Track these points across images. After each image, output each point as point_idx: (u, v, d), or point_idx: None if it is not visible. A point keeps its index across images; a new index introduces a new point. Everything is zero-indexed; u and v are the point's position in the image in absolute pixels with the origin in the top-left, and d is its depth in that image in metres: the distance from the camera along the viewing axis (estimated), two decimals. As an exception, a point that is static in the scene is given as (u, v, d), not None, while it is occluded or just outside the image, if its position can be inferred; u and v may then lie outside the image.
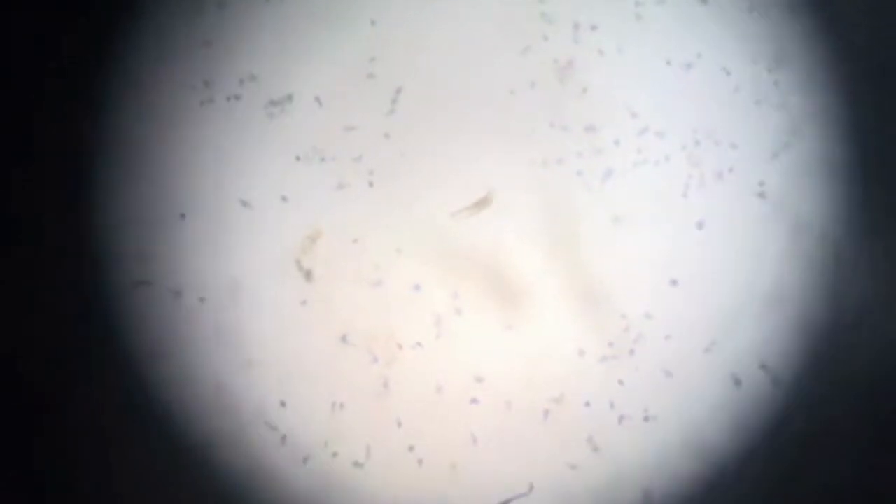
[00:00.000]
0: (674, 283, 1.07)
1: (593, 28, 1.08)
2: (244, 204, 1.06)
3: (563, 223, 1.07)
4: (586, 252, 1.07)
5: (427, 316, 1.07)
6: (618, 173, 1.07)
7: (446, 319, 1.06)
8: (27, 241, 1.03)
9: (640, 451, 1.07)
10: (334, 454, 1.06)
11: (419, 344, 1.06)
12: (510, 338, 1.07)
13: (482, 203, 1.06)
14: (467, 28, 1.08)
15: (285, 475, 1.06)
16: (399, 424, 1.06)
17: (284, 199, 1.06)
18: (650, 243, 1.07)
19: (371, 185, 1.07)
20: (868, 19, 1.06)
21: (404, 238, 1.07)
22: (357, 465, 1.06)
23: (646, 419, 1.07)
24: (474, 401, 1.06)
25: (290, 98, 1.07)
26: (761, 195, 1.07)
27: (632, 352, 1.07)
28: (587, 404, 1.07)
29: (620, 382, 1.07)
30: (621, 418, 1.07)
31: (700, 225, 1.07)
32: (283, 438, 1.06)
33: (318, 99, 1.07)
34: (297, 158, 1.07)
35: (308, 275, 1.06)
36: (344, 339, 1.06)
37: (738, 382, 1.07)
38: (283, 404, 1.06)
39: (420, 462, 1.06)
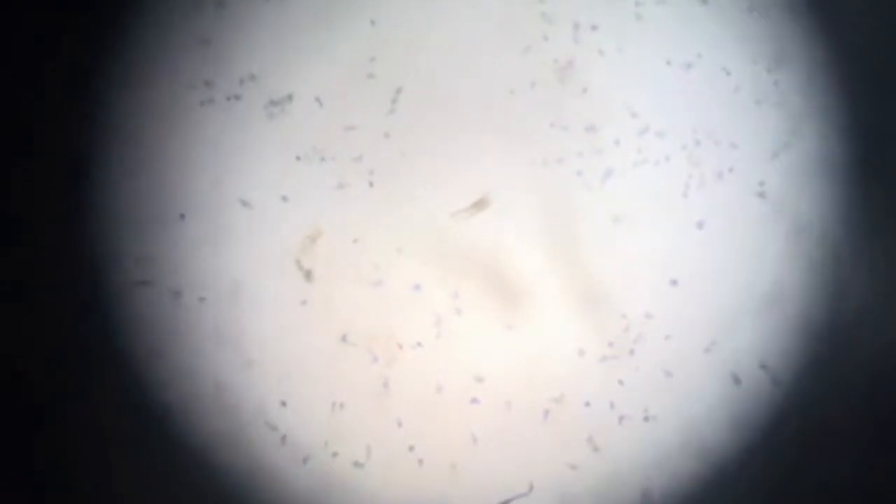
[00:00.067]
0: (674, 282, 1.07)
1: (593, 28, 1.08)
2: (244, 204, 1.06)
3: (563, 223, 1.07)
4: (586, 252, 1.07)
5: (427, 316, 1.07)
6: (618, 173, 1.07)
7: (446, 319, 1.06)
8: (27, 241, 1.03)
9: (640, 451, 1.07)
10: (334, 454, 1.06)
11: (419, 344, 1.06)
12: (510, 338, 1.07)
13: (480, 205, 1.06)
14: (467, 28, 1.08)
15: (285, 475, 1.06)
16: (399, 424, 1.06)
17: (284, 198, 1.06)
18: (650, 243, 1.07)
19: (371, 184, 1.07)
20: (868, 19, 1.07)
21: (404, 238, 1.07)
22: (357, 465, 1.06)
23: (646, 419, 1.07)
24: (474, 401, 1.06)
25: (290, 98, 1.07)
26: (761, 195, 1.07)
27: (632, 352, 1.07)
28: (587, 404, 1.07)
29: (620, 382, 1.07)
30: (621, 418, 1.07)
31: (700, 225, 1.07)
32: (283, 438, 1.06)
33: (318, 99, 1.07)
34: (298, 158, 1.07)
35: (308, 275, 1.06)
36: (344, 338, 1.06)
37: (738, 382, 1.07)
38: (283, 404, 1.06)
39: (420, 462, 1.06)
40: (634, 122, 1.07)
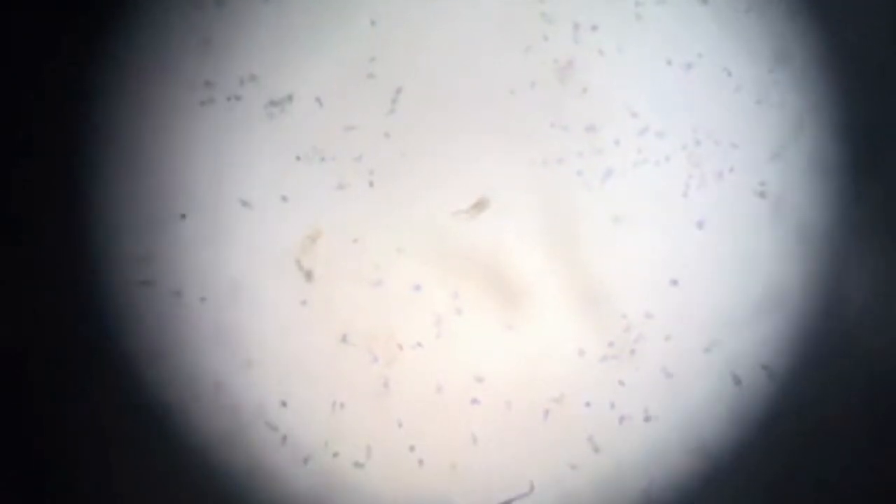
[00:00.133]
0: (674, 282, 1.07)
1: (593, 28, 1.08)
2: (244, 204, 1.06)
3: (564, 223, 1.07)
4: (586, 252, 1.07)
5: (427, 316, 1.06)
6: (618, 173, 1.07)
7: (446, 319, 1.06)
8: (27, 241, 1.03)
9: (640, 451, 1.07)
10: (335, 454, 1.06)
11: (419, 344, 1.06)
12: (510, 338, 1.07)
13: (480, 205, 1.06)
14: (467, 28, 1.08)
15: (285, 475, 1.06)
16: (399, 424, 1.06)
17: (284, 198, 1.06)
18: (650, 243, 1.07)
19: (371, 184, 1.07)
20: (868, 19, 1.07)
21: (404, 238, 1.07)
22: (357, 465, 1.06)
23: (646, 419, 1.07)
24: (475, 401, 1.06)
25: (290, 98, 1.07)
26: (762, 195, 1.07)
27: (632, 352, 1.07)
28: (587, 404, 1.07)
29: (621, 382, 1.07)
30: (622, 418, 1.07)
31: (700, 225, 1.07)
32: (284, 438, 1.06)
33: (318, 99, 1.07)
34: (298, 158, 1.07)
35: (308, 275, 1.06)
36: (344, 338, 1.06)
37: (738, 382, 1.07)
38: (283, 404, 1.06)
39: (421, 462, 1.06)
40: (634, 122, 1.07)
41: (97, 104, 1.05)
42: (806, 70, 1.08)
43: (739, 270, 1.07)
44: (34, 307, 1.03)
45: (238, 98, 1.06)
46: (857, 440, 1.04)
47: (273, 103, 1.07)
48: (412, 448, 1.06)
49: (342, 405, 1.06)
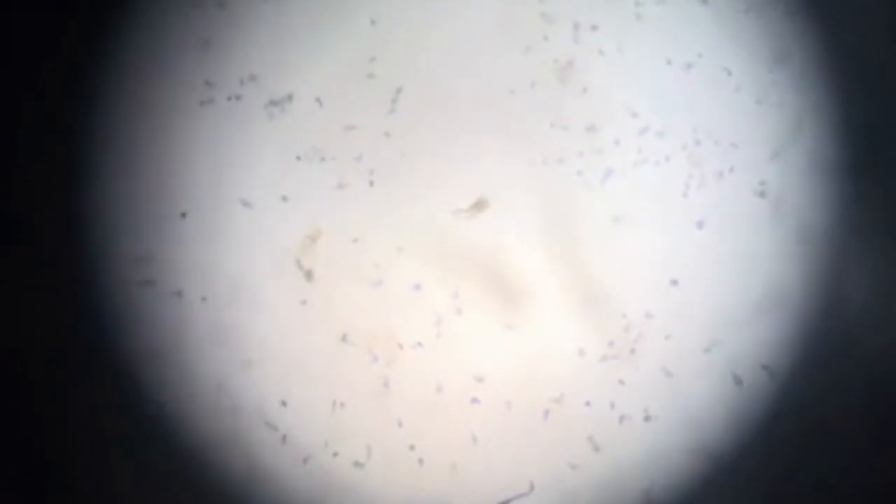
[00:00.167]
0: (674, 282, 1.07)
1: (593, 28, 1.08)
2: (245, 203, 1.06)
3: (564, 223, 1.07)
4: (587, 252, 1.07)
5: (427, 316, 1.07)
6: (618, 173, 1.07)
7: (447, 319, 1.06)
8: (27, 241, 1.03)
9: (640, 451, 1.07)
10: (335, 454, 1.06)
11: (419, 344, 1.06)
12: (510, 337, 1.07)
13: (478, 206, 1.06)
14: (467, 28, 1.08)
15: (285, 475, 1.06)
16: (399, 424, 1.06)
17: (285, 198, 1.06)
18: (650, 243, 1.07)
19: (371, 184, 1.07)
20: (868, 19, 1.07)
21: (405, 238, 1.07)
22: (357, 464, 1.06)
23: (646, 419, 1.07)
24: (475, 400, 1.06)
25: (290, 98, 1.07)
26: (762, 195, 1.07)
27: (632, 351, 1.07)
28: (587, 404, 1.07)
29: (621, 382, 1.07)
30: (622, 418, 1.07)
31: (700, 224, 1.07)
32: (284, 438, 1.06)
33: (318, 99, 1.07)
34: (298, 158, 1.07)
35: (308, 274, 1.06)
36: (344, 338, 1.06)
37: (738, 381, 1.07)
38: (283, 404, 1.06)
39: (420, 462, 1.06)
40: (635, 121, 1.07)
41: (97, 104, 1.05)
42: (806, 70, 1.08)
43: (739, 270, 1.07)
44: (34, 307, 1.03)
45: (238, 98, 1.06)
46: (858, 440, 1.04)
47: (273, 103, 1.07)
48: (412, 448, 1.06)
49: (342, 405, 1.06)
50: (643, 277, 1.07)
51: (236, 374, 1.06)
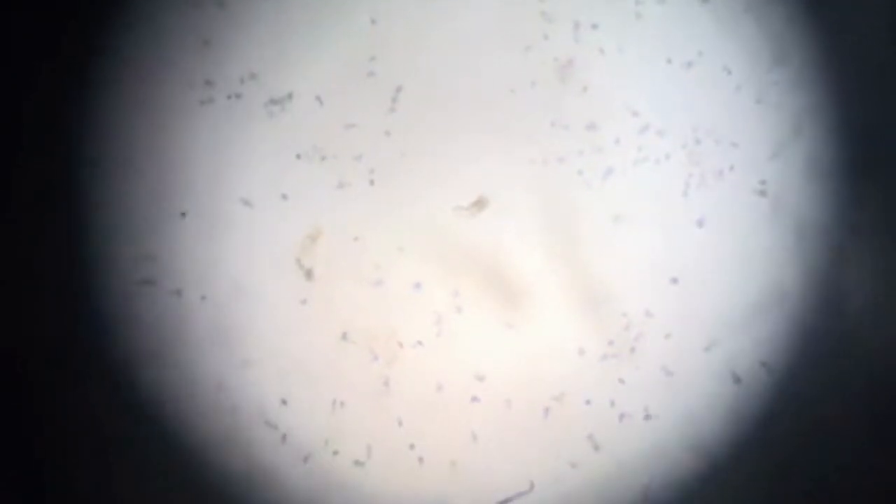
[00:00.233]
0: (674, 281, 1.07)
1: (594, 27, 1.08)
2: (245, 202, 1.06)
3: (564, 222, 1.07)
4: (587, 250, 1.07)
5: (428, 314, 1.07)
6: (618, 172, 1.07)
7: (447, 318, 1.07)
8: (27, 241, 1.03)
9: (640, 450, 1.07)
10: (335, 453, 1.06)
11: (420, 342, 1.06)
12: (511, 336, 1.07)
13: (478, 205, 1.06)
14: (467, 27, 1.08)
15: (286, 474, 1.06)
16: (400, 423, 1.06)
17: (285, 197, 1.06)
18: (650, 242, 1.07)
19: (372, 183, 1.06)
20: (868, 19, 1.07)
21: (405, 237, 1.07)
22: (358, 463, 1.06)
23: (646, 417, 1.07)
24: (475, 399, 1.07)
25: (290, 97, 1.07)
26: (762, 194, 1.07)
27: (632, 350, 1.07)
28: (588, 402, 1.07)
29: (621, 381, 1.07)
30: (622, 416, 1.07)
31: (700, 223, 1.07)
32: (284, 437, 1.06)
33: (318, 97, 1.07)
34: (298, 157, 1.06)
35: (308, 273, 1.06)
36: (344, 337, 1.06)
37: (738, 380, 1.07)
38: (283, 403, 1.06)
39: (421, 460, 1.06)
40: (635, 120, 1.07)
41: (97, 103, 1.05)
42: (806, 69, 1.08)
43: (739, 269, 1.08)
44: (34, 307, 1.03)
45: (238, 97, 1.06)
46: (857, 439, 1.05)
47: (273, 102, 1.06)
48: (412, 446, 1.06)
49: (342, 404, 1.06)
50: (643, 276, 1.07)
51: (236, 373, 1.06)
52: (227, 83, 1.06)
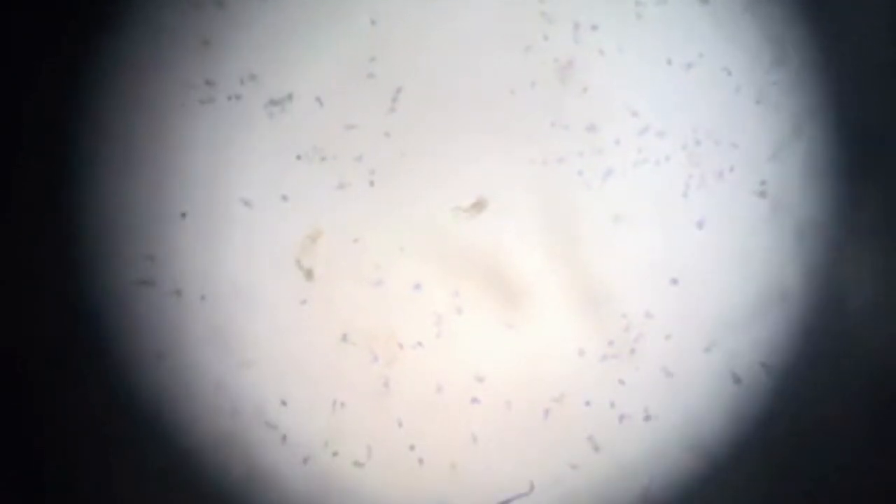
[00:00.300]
0: (674, 282, 1.07)
1: (594, 28, 1.08)
2: (245, 203, 1.06)
3: (564, 222, 1.07)
4: (587, 251, 1.07)
5: (428, 315, 1.07)
6: (618, 173, 1.07)
7: (447, 319, 1.06)
8: (27, 241, 1.03)
9: (640, 451, 1.07)
10: (335, 454, 1.06)
11: (420, 343, 1.06)
12: (511, 337, 1.07)
13: (478, 206, 1.06)
14: (467, 28, 1.08)
15: (285, 475, 1.06)
16: (399, 424, 1.06)
17: (285, 198, 1.06)
18: (650, 242, 1.07)
19: (372, 184, 1.06)
20: (868, 19, 1.07)
21: (405, 237, 1.07)
22: (357, 464, 1.06)
23: (646, 418, 1.07)
24: (475, 400, 1.06)
25: (290, 97, 1.07)
26: (762, 195, 1.07)
27: (632, 351, 1.07)
28: (587, 403, 1.07)
29: (621, 382, 1.07)
30: (622, 417, 1.07)
31: (700, 224, 1.07)
32: (284, 438, 1.06)
33: (318, 98, 1.07)
34: (298, 158, 1.07)
35: (308, 274, 1.06)
36: (344, 338, 1.06)
37: (738, 381, 1.07)
38: (283, 404, 1.06)
39: (420, 461, 1.06)
40: (635, 121, 1.07)
41: (97, 103, 1.05)
42: (805, 70, 1.08)
43: (739, 270, 1.07)
44: (33, 307, 1.03)
45: (238, 97, 1.06)
46: (857, 439, 1.04)
47: (273, 102, 1.07)
48: (412, 447, 1.06)
49: (342, 405, 1.06)
50: (643, 277, 1.07)
51: (236, 373, 1.06)
52: (227, 84, 1.06)
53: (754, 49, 1.08)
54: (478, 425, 1.07)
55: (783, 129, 1.08)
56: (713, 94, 1.08)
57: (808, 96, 1.08)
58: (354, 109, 1.07)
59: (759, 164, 1.08)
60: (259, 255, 1.06)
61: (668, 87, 1.08)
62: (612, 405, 1.07)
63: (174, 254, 1.05)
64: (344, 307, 1.06)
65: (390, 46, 1.08)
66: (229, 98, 1.06)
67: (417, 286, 1.06)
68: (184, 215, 1.06)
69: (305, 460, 1.06)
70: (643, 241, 1.07)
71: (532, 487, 1.06)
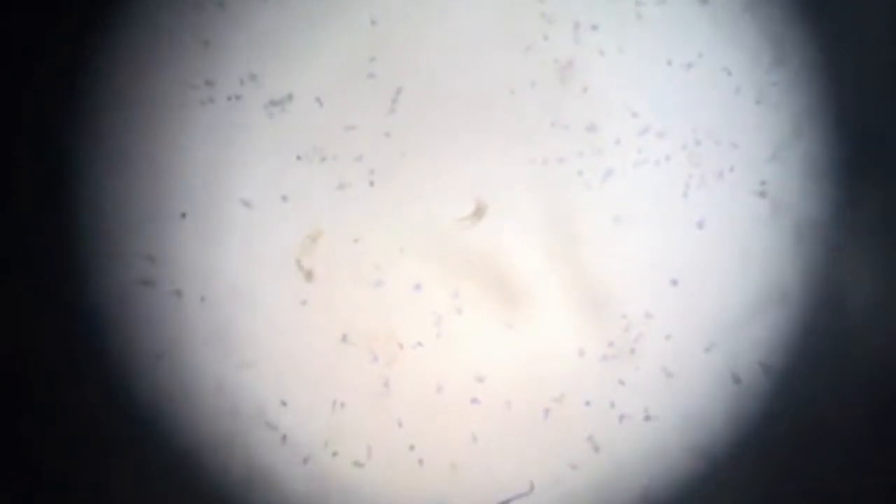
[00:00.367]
0: (674, 282, 1.07)
1: (594, 28, 1.08)
2: (245, 203, 1.06)
3: (564, 223, 1.07)
4: (587, 252, 1.07)
5: (427, 315, 1.07)
6: (618, 173, 1.07)
7: (447, 319, 1.07)
8: (27, 242, 1.03)
9: (640, 451, 1.07)
10: (335, 454, 1.06)
11: (420, 344, 1.06)
12: (511, 337, 1.07)
13: (477, 213, 1.06)
14: (467, 28, 1.08)
15: (285, 475, 1.06)
16: (399, 424, 1.06)
17: (285, 198, 1.06)
18: (650, 243, 1.07)
19: (372, 184, 1.06)
20: (868, 19, 1.07)
21: (405, 238, 1.07)
22: (357, 464, 1.06)
23: (646, 419, 1.07)
24: (475, 400, 1.07)
25: (290, 98, 1.07)
26: (762, 195, 1.07)
27: (632, 351, 1.07)
28: (587, 404, 1.07)
29: (621, 382, 1.07)
30: (622, 418, 1.07)
31: (700, 224, 1.07)
32: (284, 438, 1.06)
33: (318, 99, 1.07)
34: (298, 158, 1.07)
35: (308, 274, 1.06)
36: (344, 338, 1.06)
37: (738, 382, 1.07)
38: (283, 404, 1.06)
39: (420, 462, 1.06)
40: (635, 121, 1.07)
41: (97, 104, 1.05)
42: (805, 70, 1.08)
43: (739, 270, 1.07)
44: (33, 307, 1.03)
45: (238, 98, 1.06)
46: (856, 439, 1.04)
47: (273, 103, 1.06)
48: (412, 448, 1.06)
49: (342, 405, 1.06)
50: (643, 277, 1.07)
51: (236, 374, 1.06)
52: (227, 84, 1.06)
53: (754, 49, 1.08)
54: (478, 425, 1.07)
55: (783, 130, 1.08)
56: (713, 94, 1.08)
57: (807, 96, 1.08)
58: (354, 110, 1.07)
59: (759, 165, 1.08)
60: (259, 255, 1.06)
61: (668, 88, 1.08)
62: (612, 405, 1.07)
63: (174, 254, 1.05)
64: (344, 307, 1.06)
65: (390, 46, 1.08)
66: (229, 98, 1.06)
67: (417, 286, 1.06)
68: (184, 215, 1.06)
69: (305, 461, 1.06)
70: (643, 241, 1.07)
71: (532, 487, 1.06)
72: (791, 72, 1.08)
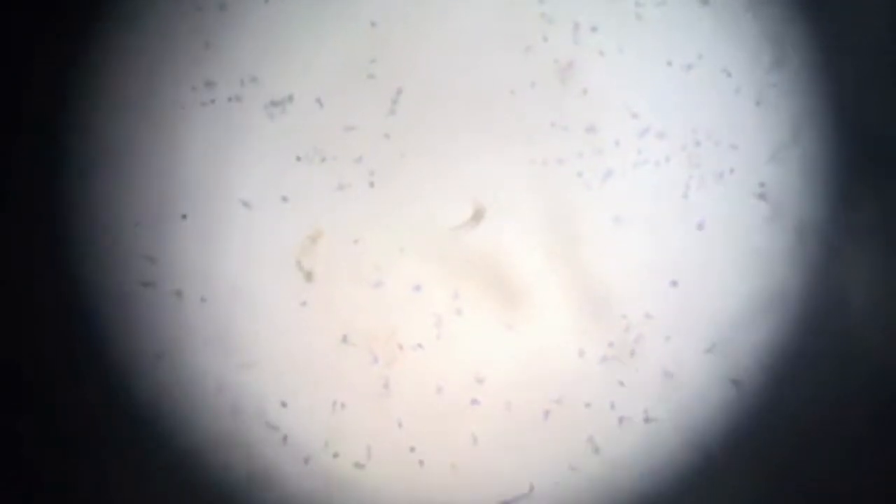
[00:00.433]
0: (674, 283, 1.07)
1: (594, 28, 1.08)
2: (245, 204, 1.06)
3: (564, 223, 1.07)
4: (587, 252, 1.07)
5: (428, 316, 1.07)
6: (618, 174, 1.07)
7: (447, 320, 1.07)
8: (27, 242, 1.03)
9: (640, 452, 1.07)
10: (335, 455, 1.06)
11: (420, 344, 1.06)
12: (511, 338, 1.07)
13: (476, 216, 1.06)
14: (467, 28, 1.08)
15: (286, 476, 1.06)
16: (400, 425, 1.06)
17: (285, 199, 1.06)
18: (650, 244, 1.07)
19: (372, 185, 1.07)
20: (868, 19, 1.07)
21: (405, 238, 1.07)
22: (358, 465, 1.06)
23: (646, 420, 1.07)
24: (475, 401, 1.06)
25: (290, 98, 1.07)
26: (762, 196, 1.07)
27: (632, 352, 1.07)
28: (587, 405, 1.07)
29: (621, 383, 1.07)
30: (622, 419, 1.07)
31: (700, 225, 1.07)
32: (284, 439, 1.06)
33: (318, 99, 1.07)
34: (298, 159, 1.07)
35: (308, 275, 1.06)
36: (344, 339, 1.06)
37: (738, 382, 1.07)
38: (283, 405, 1.06)
39: (421, 463, 1.06)
40: (635, 122, 1.07)
41: (97, 105, 1.05)
42: (805, 71, 1.08)
43: (739, 271, 1.07)
44: (33, 308, 1.03)
45: (239, 98, 1.06)
46: (856, 440, 1.04)
47: (273, 104, 1.07)
48: (412, 448, 1.06)
49: (342, 405, 1.06)
50: (643, 278, 1.07)
51: (236, 374, 1.06)
52: (228, 85, 1.06)
53: (754, 50, 1.08)
54: (478, 426, 1.07)
55: (783, 131, 1.08)
56: (713, 95, 1.08)
57: (807, 97, 1.08)
58: (354, 110, 1.07)
59: (759, 166, 1.08)
60: (259, 256, 1.06)
61: (668, 88, 1.08)
62: (612, 406, 1.07)
63: (174, 255, 1.06)
64: (344, 308, 1.06)
65: (390, 47, 1.08)
66: (230, 99, 1.06)
67: (417, 287, 1.06)
68: (184, 216, 1.06)
69: (306, 461, 1.06)
70: (643, 242, 1.07)
71: (532, 488, 1.06)
72: (791, 73, 1.08)
